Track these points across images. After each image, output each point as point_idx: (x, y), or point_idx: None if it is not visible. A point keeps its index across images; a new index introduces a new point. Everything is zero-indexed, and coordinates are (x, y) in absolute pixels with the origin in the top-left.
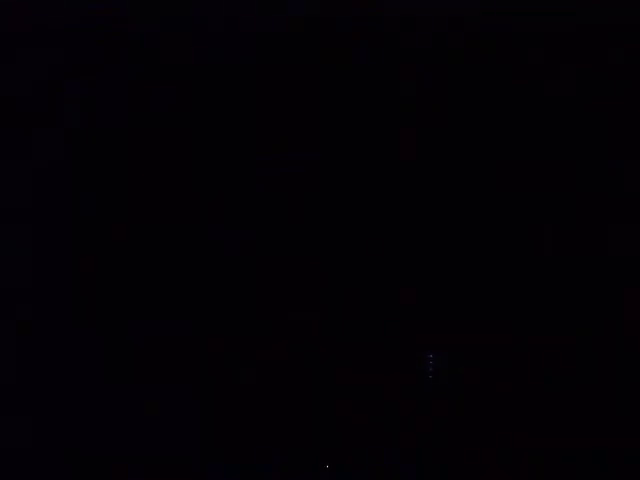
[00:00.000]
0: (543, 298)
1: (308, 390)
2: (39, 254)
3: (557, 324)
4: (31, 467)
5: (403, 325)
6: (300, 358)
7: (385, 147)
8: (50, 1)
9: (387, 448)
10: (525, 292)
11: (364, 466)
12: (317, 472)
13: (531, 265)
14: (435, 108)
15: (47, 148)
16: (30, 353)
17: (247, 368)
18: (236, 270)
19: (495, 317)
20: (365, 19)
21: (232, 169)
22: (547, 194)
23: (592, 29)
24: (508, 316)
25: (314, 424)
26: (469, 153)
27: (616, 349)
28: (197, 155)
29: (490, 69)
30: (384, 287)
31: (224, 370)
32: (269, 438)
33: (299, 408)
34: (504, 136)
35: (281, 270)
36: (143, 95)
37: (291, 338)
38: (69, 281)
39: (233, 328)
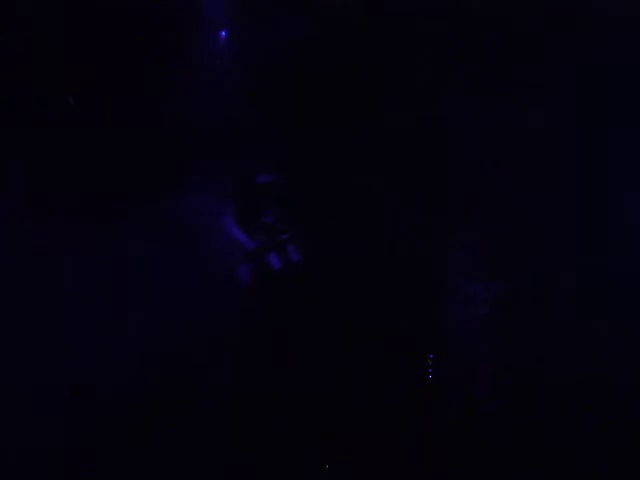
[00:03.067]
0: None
1: (308, 390)
2: None
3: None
4: None
5: (403, 325)
6: (301, 357)
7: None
8: None
9: (386, 447)
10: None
11: (364, 466)
12: (317, 472)
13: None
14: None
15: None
16: None
17: (247, 367)
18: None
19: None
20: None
21: None
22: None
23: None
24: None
25: (314, 424)
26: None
27: None
28: None
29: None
30: (384, 286)
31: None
32: (269, 438)
33: (299, 408)
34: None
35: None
36: None
37: (291, 338)
38: None
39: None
